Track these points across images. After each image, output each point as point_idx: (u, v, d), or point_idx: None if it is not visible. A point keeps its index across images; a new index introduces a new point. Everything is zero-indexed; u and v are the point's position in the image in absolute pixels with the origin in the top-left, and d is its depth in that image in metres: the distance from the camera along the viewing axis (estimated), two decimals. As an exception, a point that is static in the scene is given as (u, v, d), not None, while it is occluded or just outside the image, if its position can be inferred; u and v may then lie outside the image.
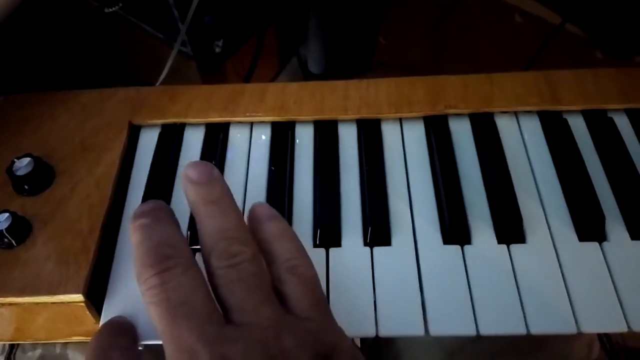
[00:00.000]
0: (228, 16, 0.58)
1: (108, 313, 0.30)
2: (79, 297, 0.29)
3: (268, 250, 0.28)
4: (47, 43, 0.50)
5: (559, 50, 0.54)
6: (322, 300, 0.27)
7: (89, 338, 0.29)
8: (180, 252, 0.26)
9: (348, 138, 0.38)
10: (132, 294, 0.30)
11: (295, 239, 0.28)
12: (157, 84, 0.49)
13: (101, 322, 0.29)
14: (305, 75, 0.67)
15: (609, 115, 0.38)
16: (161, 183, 0.34)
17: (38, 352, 0.36)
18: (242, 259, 0.25)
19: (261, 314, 0.24)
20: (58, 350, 0.37)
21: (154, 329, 0.29)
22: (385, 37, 0.66)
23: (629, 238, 0.32)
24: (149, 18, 0.59)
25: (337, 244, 0.33)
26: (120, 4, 0.51)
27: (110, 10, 0.51)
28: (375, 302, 0.30)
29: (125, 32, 0.61)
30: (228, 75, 0.65)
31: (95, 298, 0.30)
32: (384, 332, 0.29)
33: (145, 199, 0.34)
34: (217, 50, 0.60)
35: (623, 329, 0.29)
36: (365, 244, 0.32)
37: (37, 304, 0.30)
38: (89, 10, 0.55)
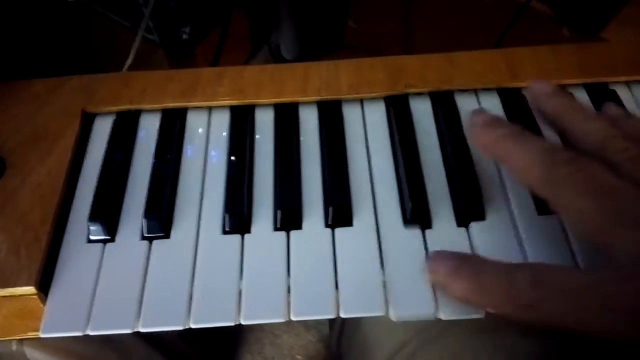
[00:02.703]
0: (194, 0, 0.57)
1: (53, 301, 0.29)
2: (31, 290, 0.29)
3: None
4: (8, 33, 0.49)
5: (526, 28, 0.54)
6: None
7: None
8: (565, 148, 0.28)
9: (309, 120, 0.37)
10: (81, 282, 0.29)
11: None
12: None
13: (45, 313, 0.29)
14: (277, 62, 0.66)
15: (569, 90, 0.38)
16: (115, 170, 0.34)
17: (-6, 350, 0.36)
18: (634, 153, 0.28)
19: None
20: (14, 347, 0.36)
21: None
22: (356, 21, 0.65)
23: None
24: (113, 6, 0.58)
25: (298, 226, 0.32)
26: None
27: (74, -2, 0.50)
28: (336, 283, 0.30)
29: (90, 21, 0.60)
30: (198, 64, 0.63)
31: (49, 290, 0.30)
32: (346, 312, 0.29)
33: (99, 187, 0.33)
34: (185, 36, 0.59)
35: None
36: (327, 226, 0.32)
37: (-12, 297, 0.29)
38: (52, -1, 0.54)
